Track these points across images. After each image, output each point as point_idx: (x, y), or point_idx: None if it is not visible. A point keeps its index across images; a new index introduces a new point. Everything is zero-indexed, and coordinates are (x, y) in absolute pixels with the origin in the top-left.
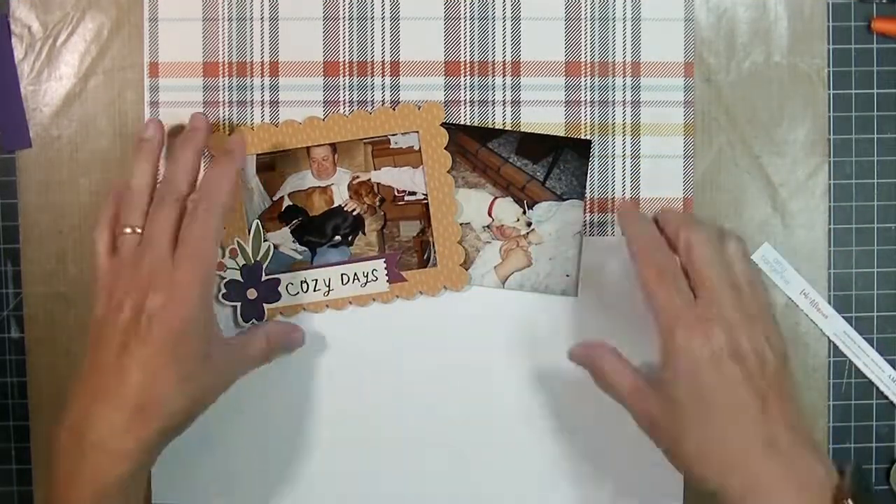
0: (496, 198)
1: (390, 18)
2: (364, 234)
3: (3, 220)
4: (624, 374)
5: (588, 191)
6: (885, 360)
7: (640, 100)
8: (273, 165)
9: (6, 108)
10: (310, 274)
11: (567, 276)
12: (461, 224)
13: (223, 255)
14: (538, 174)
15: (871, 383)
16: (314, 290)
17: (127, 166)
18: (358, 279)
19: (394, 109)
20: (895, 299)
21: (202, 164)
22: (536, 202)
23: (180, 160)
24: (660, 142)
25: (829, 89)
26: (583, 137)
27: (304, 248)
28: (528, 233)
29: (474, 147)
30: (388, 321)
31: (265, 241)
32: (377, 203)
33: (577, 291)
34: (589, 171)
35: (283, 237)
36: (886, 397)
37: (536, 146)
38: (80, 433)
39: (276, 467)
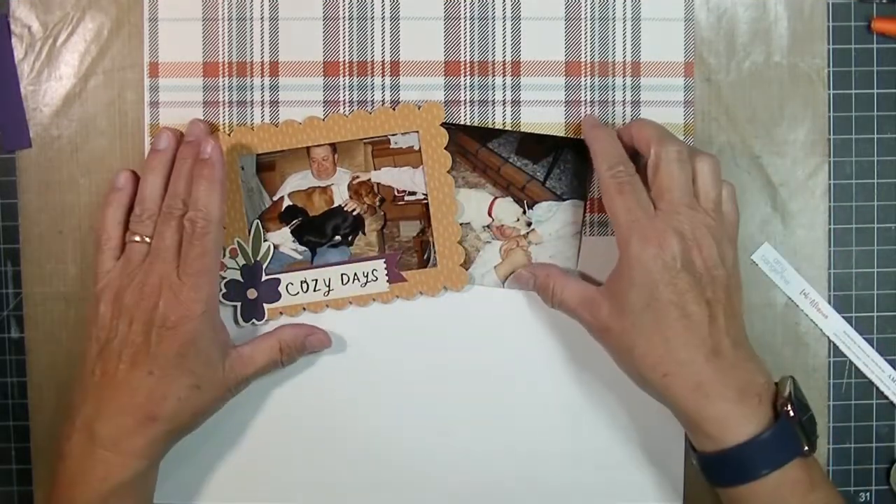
0: (496, 198)
1: (390, 18)
2: (364, 234)
3: (3, 220)
4: (572, 288)
5: (588, 191)
6: (885, 360)
7: (640, 100)
8: (273, 165)
9: (6, 108)
10: (310, 274)
11: None
12: (461, 224)
13: (224, 255)
14: (538, 174)
15: (871, 383)
16: (314, 290)
17: (127, 166)
18: (358, 279)
19: (394, 109)
20: (895, 299)
21: None
22: (536, 202)
23: (183, 172)
24: None
25: (829, 89)
26: (583, 137)
27: (304, 248)
28: (528, 233)
29: (474, 147)
30: (388, 321)
31: (265, 241)
32: (377, 203)
33: None
34: (589, 171)
35: (283, 237)
36: (886, 397)
37: (536, 146)
38: (90, 435)
39: (276, 467)
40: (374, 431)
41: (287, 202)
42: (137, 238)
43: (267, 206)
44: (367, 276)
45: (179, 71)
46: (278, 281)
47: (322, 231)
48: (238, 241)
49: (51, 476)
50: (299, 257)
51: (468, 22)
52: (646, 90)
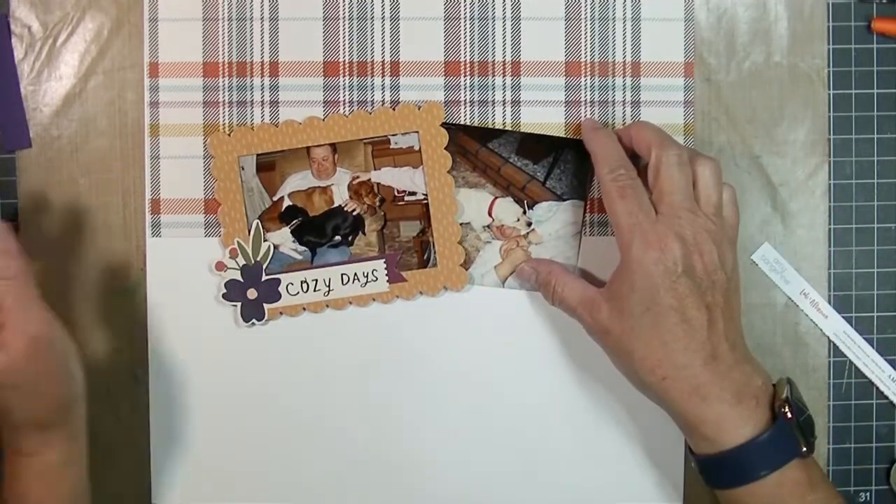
0: (496, 198)
1: (390, 18)
2: (364, 234)
3: (3, 220)
4: (573, 287)
5: (588, 191)
6: (885, 360)
7: (640, 100)
8: (273, 165)
9: (6, 108)
10: (310, 274)
11: None
12: (461, 224)
13: (224, 255)
14: (538, 174)
15: (871, 383)
16: (314, 290)
17: (127, 166)
18: (358, 279)
19: (394, 109)
20: (895, 299)
21: (201, 165)
22: (537, 202)
23: None
24: None
25: (829, 89)
26: (583, 140)
27: (304, 248)
28: (528, 233)
29: (474, 147)
30: (388, 321)
31: (265, 241)
32: (377, 203)
33: None
34: (589, 171)
35: (283, 237)
36: (886, 397)
37: (537, 146)
38: None
39: (276, 467)
40: (374, 431)
41: (287, 202)
42: None
43: (267, 206)
44: (367, 276)
45: (179, 71)
46: (278, 281)
47: (322, 231)
48: (238, 242)
49: None
50: (299, 257)
51: (468, 22)
52: (646, 90)
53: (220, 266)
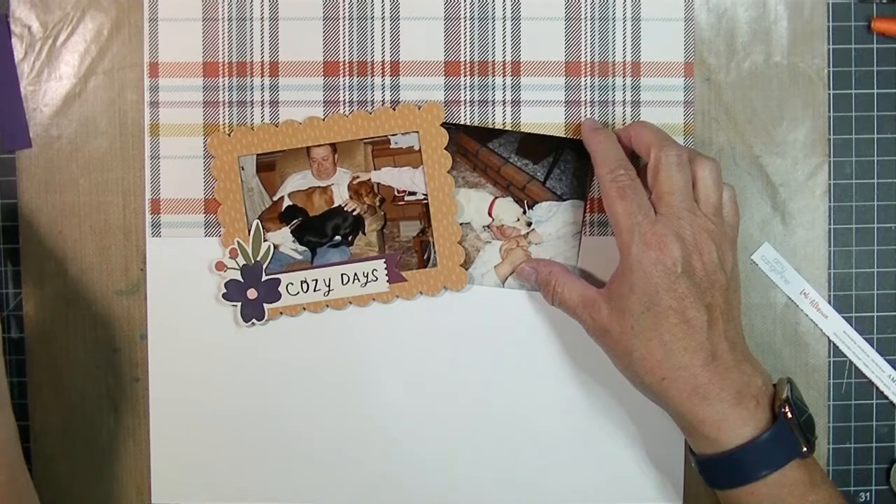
0: (496, 198)
1: (390, 18)
2: (364, 234)
3: (3, 220)
4: (573, 287)
5: (588, 191)
6: (885, 360)
7: (640, 100)
8: (273, 165)
9: (6, 108)
10: (310, 274)
11: None
12: (461, 224)
13: (224, 255)
14: (538, 174)
15: (871, 383)
16: (314, 290)
17: (127, 166)
18: (358, 279)
19: (394, 109)
20: (895, 299)
21: (201, 165)
22: (537, 202)
23: None
24: None
25: (829, 89)
26: (583, 140)
27: (304, 248)
28: (528, 233)
29: (474, 147)
30: (388, 321)
31: (265, 241)
32: (377, 203)
33: None
34: (589, 171)
35: (283, 237)
36: (886, 397)
37: (537, 146)
38: None
39: (276, 467)
40: (374, 432)
41: (287, 202)
42: None
43: (267, 206)
44: (367, 276)
45: (179, 71)
46: (278, 281)
47: (322, 231)
48: (238, 242)
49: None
50: (299, 257)
51: (468, 22)
52: (646, 90)
53: (220, 266)
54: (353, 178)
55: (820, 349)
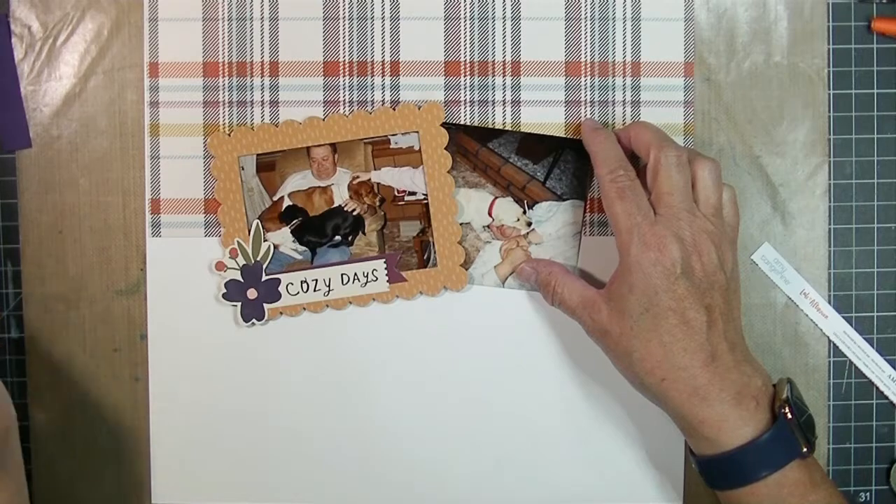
0: (496, 198)
1: (390, 18)
2: (364, 234)
3: (3, 220)
4: (573, 288)
5: (588, 191)
6: (885, 360)
7: (640, 100)
8: (273, 165)
9: (6, 108)
10: (310, 274)
11: None
12: (461, 224)
13: (224, 255)
14: (538, 174)
15: (871, 383)
16: (314, 290)
17: (127, 166)
18: (358, 279)
19: (394, 109)
20: (895, 299)
21: (201, 165)
22: (537, 202)
23: None
24: None
25: (829, 89)
26: (582, 140)
27: (304, 248)
28: (528, 233)
29: (474, 147)
30: (388, 321)
31: (265, 240)
32: (377, 203)
33: None
34: (589, 171)
35: (283, 237)
36: (886, 397)
37: (537, 146)
38: None
39: (276, 467)
40: (374, 432)
41: (287, 202)
42: None
43: (267, 206)
44: (367, 276)
45: (179, 71)
46: (278, 281)
47: (322, 231)
48: (238, 242)
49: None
50: (299, 257)
51: (468, 22)
52: (646, 90)
53: (220, 266)
54: (353, 178)
55: (820, 349)
